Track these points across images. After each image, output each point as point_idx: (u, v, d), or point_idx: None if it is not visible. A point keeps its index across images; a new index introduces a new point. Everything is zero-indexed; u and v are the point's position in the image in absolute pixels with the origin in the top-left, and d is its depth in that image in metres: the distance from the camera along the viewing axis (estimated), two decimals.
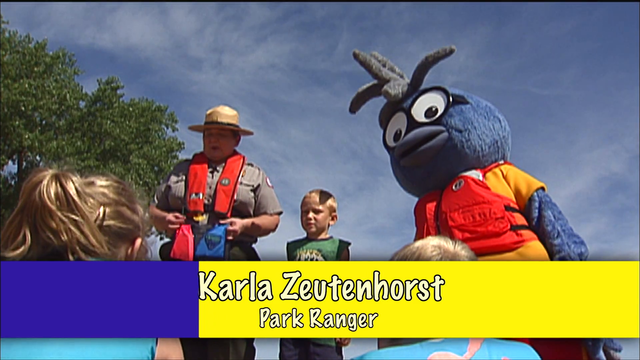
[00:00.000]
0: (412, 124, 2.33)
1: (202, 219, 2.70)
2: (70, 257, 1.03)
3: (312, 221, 2.83)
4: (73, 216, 1.03)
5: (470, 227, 2.04)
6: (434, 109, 2.30)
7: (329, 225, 2.90)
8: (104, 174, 1.18)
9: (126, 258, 1.15)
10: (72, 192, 1.05)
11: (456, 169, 2.23)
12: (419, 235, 2.22)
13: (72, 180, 1.06)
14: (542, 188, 2.12)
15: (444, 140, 2.22)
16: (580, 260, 1.93)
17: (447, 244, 1.13)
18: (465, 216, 2.08)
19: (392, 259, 1.19)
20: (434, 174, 2.28)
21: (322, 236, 2.86)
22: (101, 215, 1.08)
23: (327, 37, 30.25)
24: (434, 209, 2.19)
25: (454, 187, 2.18)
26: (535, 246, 2.02)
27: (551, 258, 1.99)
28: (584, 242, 1.99)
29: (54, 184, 1.04)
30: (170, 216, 2.71)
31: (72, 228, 1.03)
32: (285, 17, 28.69)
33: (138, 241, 1.16)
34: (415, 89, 2.47)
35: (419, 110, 2.34)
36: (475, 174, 2.19)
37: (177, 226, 2.66)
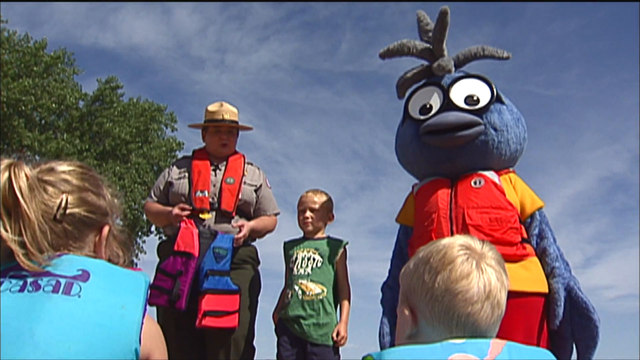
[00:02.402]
0: (449, 105, 2.24)
1: (209, 217, 2.69)
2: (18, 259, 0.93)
3: (309, 220, 2.82)
4: (18, 214, 0.94)
5: (487, 229, 2.03)
6: (475, 97, 2.24)
7: (325, 224, 2.89)
8: (67, 159, 1.09)
9: (95, 246, 1.08)
10: (23, 185, 0.96)
11: (476, 164, 2.21)
12: (426, 221, 2.19)
13: (24, 172, 0.97)
14: (542, 208, 2.20)
15: (478, 134, 2.18)
16: (575, 289, 2.02)
17: (475, 244, 1.08)
18: (482, 217, 2.07)
19: (414, 256, 1.16)
20: (453, 161, 2.23)
21: (319, 235, 2.86)
22: (63, 203, 1.00)
23: (330, 37, 30.32)
24: (447, 199, 2.16)
25: (473, 184, 2.15)
26: (536, 262, 2.08)
27: (547, 277, 2.07)
28: (570, 270, 2.12)
29: (4, 176, 0.95)
30: (175, 209, 2.67)
31: (16, 227, 0.94)
32: (288, 16, 28.77)
33: (106, 228, 1.09)
34: (456, 69, 2.43)
35: (459, 94, 2.26)
36: (493, 176, 2.18)
37: (183, 218, 2.63)
